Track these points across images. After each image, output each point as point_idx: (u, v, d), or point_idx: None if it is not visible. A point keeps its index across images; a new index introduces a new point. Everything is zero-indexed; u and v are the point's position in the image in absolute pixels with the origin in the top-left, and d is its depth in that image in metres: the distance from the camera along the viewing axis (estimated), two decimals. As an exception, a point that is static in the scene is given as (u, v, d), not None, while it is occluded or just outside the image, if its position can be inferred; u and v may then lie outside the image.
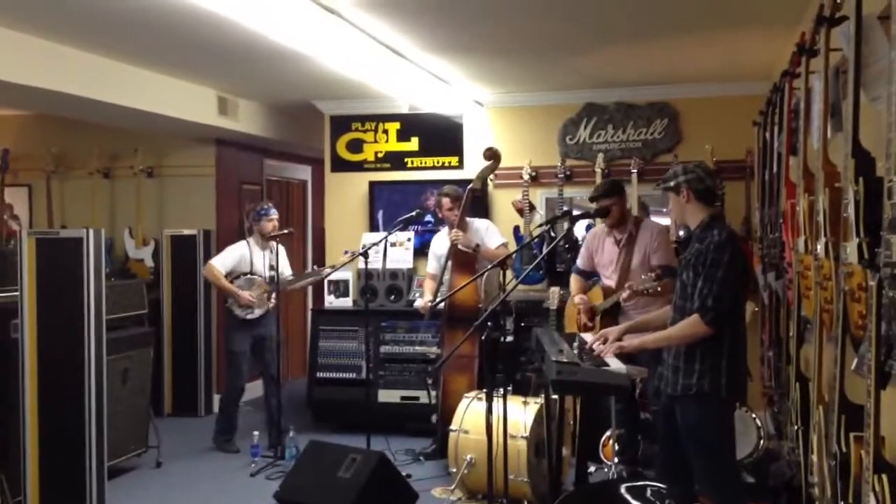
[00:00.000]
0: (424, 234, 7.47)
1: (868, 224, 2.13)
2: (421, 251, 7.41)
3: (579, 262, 5.62)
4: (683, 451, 3.81)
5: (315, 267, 6.72)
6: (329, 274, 6.86)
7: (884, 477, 2.06)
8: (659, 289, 4.55)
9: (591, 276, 5.59)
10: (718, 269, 3.60)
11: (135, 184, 8.11)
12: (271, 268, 6.59)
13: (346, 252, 6.69)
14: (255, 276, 6.51)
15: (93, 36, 5.26)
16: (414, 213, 6.47)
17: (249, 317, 6.48)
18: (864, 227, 2.14)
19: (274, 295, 6.48)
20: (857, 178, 2.20)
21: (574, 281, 5.62)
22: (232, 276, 6.48)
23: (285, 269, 6.73)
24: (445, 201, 6.25)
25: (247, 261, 6.52)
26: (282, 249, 6.74)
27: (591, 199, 5.30)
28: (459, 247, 6.11)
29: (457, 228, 6.15)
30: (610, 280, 5.35)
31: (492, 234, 6.33)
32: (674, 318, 3.85)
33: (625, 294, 4.94)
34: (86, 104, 5.91)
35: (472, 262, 6.13)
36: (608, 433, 5.44)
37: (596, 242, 5.51)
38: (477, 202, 6.85)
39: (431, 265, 6.50)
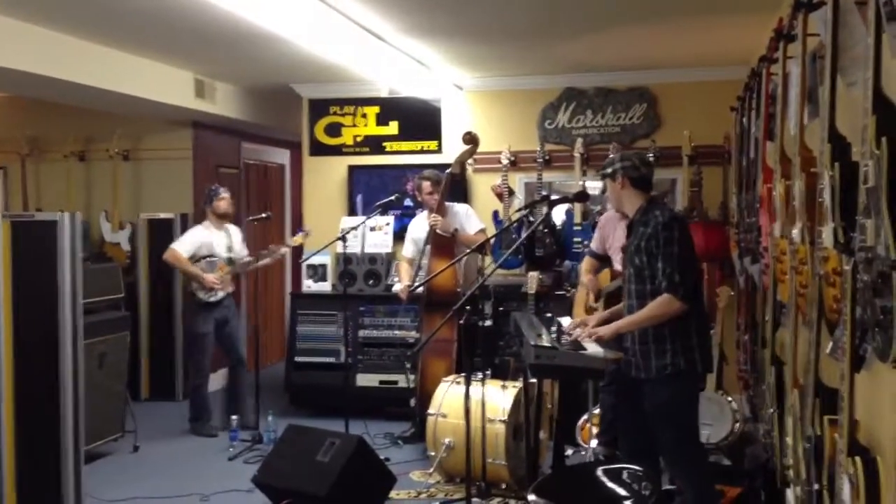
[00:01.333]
0: (403, 218, 7.46)
1: (843, 209, 2.14)
2: (400, 235, 7.39)
3: (593, 245, 5.53)
4: (648, 435, 3.87)
5: (271, 246, 6.74)
6: (285, 252, 6.86)
7: (857, 459, 2.09)
8: None
9: (603, 259, 5.52)
10: (673, 245, 3.70)
11: (111, 167, 8.04)
12: (229, 248, 6.63)
13: (300, 231, 6.74)
14: (215, 259, 6.52)
15: (68, 17, 5.19)
16: (393, 198, 6.45)
17: (213, 299, 6.49)
18: (839, 212, 2.16)
19: (233, 275, 6.62)
20: (832, 163, 2.22)
21: (585, 262, 5.56)
22: (193, 259, 6.47)
23: (241, 251, 6.77)
24: (425, 185, 6.25)
25: (207, 244, 6.53)
26: (237, 230, 6.83)
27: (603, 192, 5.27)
28: (438, 231, 6.11)
29: (436, 213, 6.15)
30: (619, 265, 5.32)
31: (471, 220, 6.34)
32: (630, 305, 3.91)
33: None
34: (61, 86, 5.84)
35: (450, 246, 6.12)
36: (585, 416, 5.47)
37: (609, 227, 5.45)
38: (456, 186, 6.84)
39: (408, 249, 6.50)
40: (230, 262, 6.60)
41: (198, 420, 6.65)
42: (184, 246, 6.49)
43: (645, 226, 3.81)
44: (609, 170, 3.99)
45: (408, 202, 7.36)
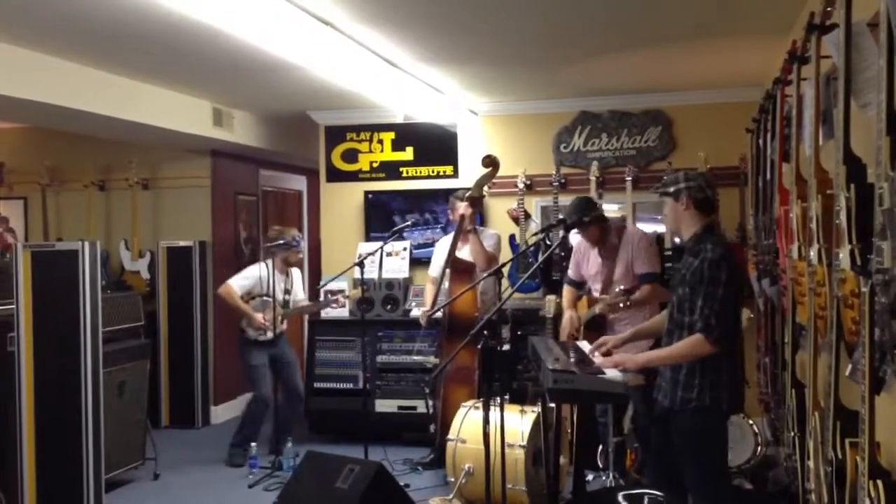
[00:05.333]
0: (421, 245, 7.50)
1: (860, 230, 2.14)
2: (417, 260, 7.42)
3: (570, 273, 5.66)
4: (676, 462, 3.81)
5: (327, 295, 6.73)
6: (340, 305, 6.83)
7: (879, 482, 2.07)
8: (628, 303, 4.62)
9: (582, 286, 5.61)
10: (718, 287, 3.56)
11: (130, 195, 8.11)
12: (287, 291, 6.60)
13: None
14: (269, 299, 6.47)
15: (87, 48, 5.27)
16: (409, 223, 6.46)
17: (262, 339, 6.47)
18: (855, 234, 2.15)
19: (286, 319, 6.58)
20: (848, 185, 2.21)
21: (566, 292, 5.64)
22: (249, 296, 6.47)
23: (299, 293, 6.76)
24: (460, 205, 6.24)
25: (263, 283, 6.48)
26: (297, 273, 6.78)
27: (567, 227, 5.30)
28: (465, 225, 6.13)
29: (470, 234, 6.16)
30: (597, 291, 5.38)
31: (487, 237, 6.32)
32: (669, 329, 3.81)
33: (598, 308, 5.00)
34: (81, 116, 5.91)
35: (469, 271, 6.12)
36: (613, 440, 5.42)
37: (581, 254, 5.56)
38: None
39: (434, 269, 6.50)
40: (285, 304, 6.56)
41: (239, 446, 6.55)
42: (239, 282, 6.48)
43: (694, 256, 3.68)
44: (672, 188, 3.78)
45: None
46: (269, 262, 6.56)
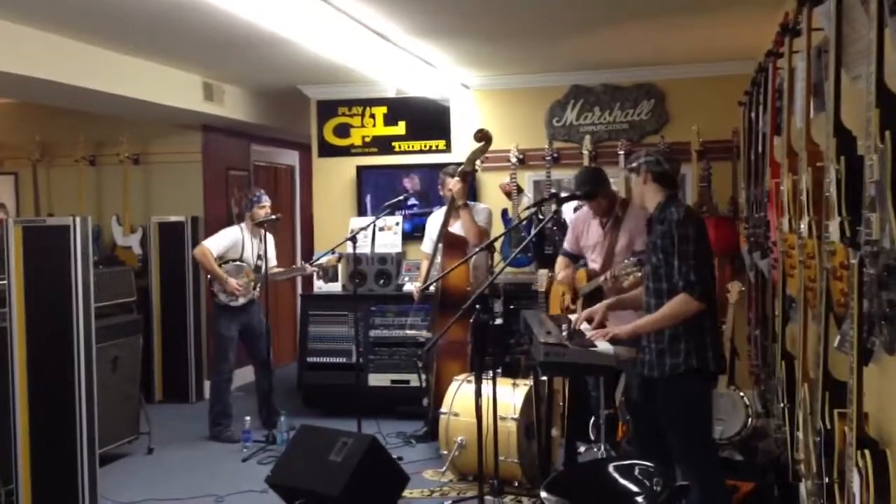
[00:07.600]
0: (413, 218, 7.50)
1: (849, 203, 2.14)
2: (410, 235, 7.42)
3: (566, 245, 5.58)
4: (662, 434, 3.86)
5: (301, 262, 6.71)
6: (312, 272, 6.90)
7: (867, 452, 2.09)
8: (640, 275, 4.55)
9: (578, 259, 5.55)
10: (689, 243, 3.68)
11: (121, 171, 8.09)
12: (259, 257, 6.56)
13: (332, 253, 6.64)
14: (243, 264, 6.48)
15: (77, 23, 5.23)
16: (401, 198, 6.46)
17: (233, 304, 6.45)
18: (845, 206, 2.15)
19: (259, 285, 6.52)
20: (838, 157, 2.21)
21: (559, 262, 5.59)
22: (222, 260, 6.44)
23: (272, 259, 6.73)
24: (449, 180, 6.22)
25: (238, 247, 6.48)
26: (270, 238, 6.74)
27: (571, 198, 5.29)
28: (455, 200, 6.12)
29: (461, 209, 6.14)
30: (595, 263, 5.30)
31: (479, 215, 6.30)
32: (648, 302, 3.88)
33: (602, 279, 4.95)
34: (71, 91, 5.88)
35: (462, 245, 6.12)
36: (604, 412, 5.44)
37: (582, 225, 5.45)
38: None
39: (426, 245, 6.50)
40: (258, 269, 6.53)
41: (219, 425, 6.57)
42: (214, 244, 6.45)
43: (661, 223, 3.81)
44: (634, 164, 4.01)
45: (413, 201, 7.38)
46: (243, 225, 6.56)
